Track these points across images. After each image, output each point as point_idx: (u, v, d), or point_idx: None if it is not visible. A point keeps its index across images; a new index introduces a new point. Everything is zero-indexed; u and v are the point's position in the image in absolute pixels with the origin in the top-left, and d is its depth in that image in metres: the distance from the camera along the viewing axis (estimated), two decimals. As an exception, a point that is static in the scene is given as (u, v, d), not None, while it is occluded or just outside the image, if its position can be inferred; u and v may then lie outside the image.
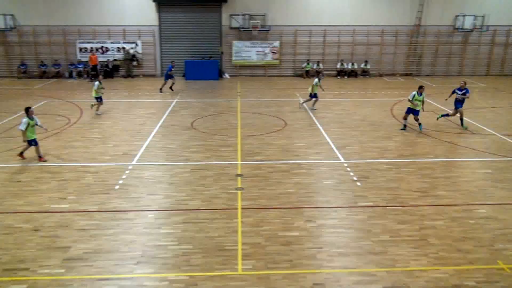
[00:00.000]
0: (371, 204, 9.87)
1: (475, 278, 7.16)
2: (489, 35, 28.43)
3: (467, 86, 16.19)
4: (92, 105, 18.09)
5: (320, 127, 16.20)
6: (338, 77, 28.10)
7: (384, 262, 7.61)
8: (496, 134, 15.40)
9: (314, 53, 28.35)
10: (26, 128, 11.98)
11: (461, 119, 16.22)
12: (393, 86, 25.31)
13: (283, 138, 14.80)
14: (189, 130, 15.75)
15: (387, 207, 9.71)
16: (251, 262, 7.56)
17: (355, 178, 11.34)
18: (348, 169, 12.02)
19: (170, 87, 23.13)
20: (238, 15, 27.05)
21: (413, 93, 15.59)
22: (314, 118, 17.47)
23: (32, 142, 12.25)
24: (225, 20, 27.50)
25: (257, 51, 28.15)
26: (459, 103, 16.06)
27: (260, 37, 27.93)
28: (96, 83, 17.95)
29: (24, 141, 12.16)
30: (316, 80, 18.93)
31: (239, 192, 10.45)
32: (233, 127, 16.22)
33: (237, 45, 27.93)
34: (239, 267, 7.44)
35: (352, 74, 28.29)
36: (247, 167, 12.06)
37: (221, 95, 22.70)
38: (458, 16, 27.68)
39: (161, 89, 22.83)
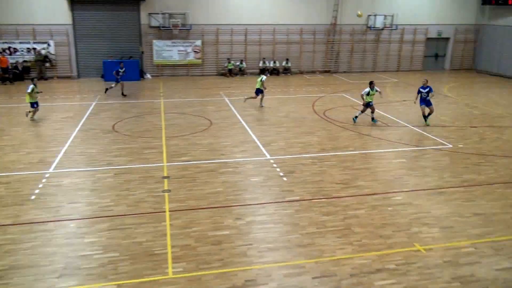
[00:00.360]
0: (297, 198, 10.15)
1: (395, 261, 7.62)
2: (398, 33, 30.40)
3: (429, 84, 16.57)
4: (28, 112, 16.61)
5: (245, 125, 16.35)
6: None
7: (312, 253, 7.86)
8: (408, 125, 16.50)
9: (236, 52, 28.54)
10: None
11: (426, 115, 16.54)
12: (313, 83, 26.21)
13: (209, 138, 14.74)
14: (111, 134, 15.14)
15: (313, 200, 10.03)
16: (182, 265, 7.45)
17: (281, 174, 11.59)
18: (274, 165, 12.25)
19: (108, 88, 21.98)
20: (157, 13, 26.47)
21: (367, 89, 16.46)
22: (239, 116, 17.59)
23: None
24: (144, 19, 26.77)
25: (179, 51, 27.74)
26: (423, 101, 16.38)
27: (181, 36, 27.56)
28: (31, 86, 16.45)
29: None
30: (263, 77, 19.17)
31: (166, 194, 10.24)
32: (157, 128, 15.86)
33: (157, 44, 27.31)
34: (170, 270, 7.29)
35: (274, 72, 28.86)
36: (173, 169, 11.86)
37: (143, 96, 22.10)
38: (370, 15, 29.29)
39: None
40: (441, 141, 14.58)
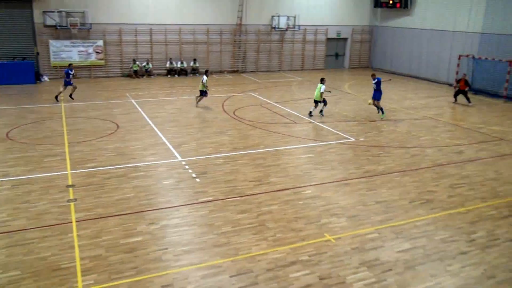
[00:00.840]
0: (211, 198, 10.13)
1: (307, 252, 7.94)
2: (301, 33, 31.67)
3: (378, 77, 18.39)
4: None
5: (155, 127, 15.95)
6: (169, 76, 28.01)
7: (228, 252, 7.90)
8: (314, 122, 17.26)
9: (142, 52, 27.70)
10: None
11: (379, 108, 18.10)
12: (222, 83, 26.33)
13: (116, 142, 14.16)
14: (5, 142, 13.89)
15: (227, 199, 10.09)
16: (93, 277, 7.07)
17: (194, 175, 11.49)
18: (187, 166, 12.12)
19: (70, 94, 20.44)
20: (52, 11, 24.76)
21: (324, 86, 17.59)
22: (147, 119, 17.11)
23: None
24: (38, 17, 24.89)
25: (79, 51, 26.22)
26: (376, 92, 17.94)
27: (81, 36, 26.08)
28: None
29: None
30: (205, 77, 19.08)
31: (71, 204, 9.64)
32: (58, 134, 14.86)
33: (54, 44, 25.56)
34: (79, 284, 6.88)
35: (182, 72, 28.50)
36: (79, 176, 11.20)
37: (41, 100, 20.55)
38: (274, 16, 30.13)
39: (70, 95, 20.34)
40: (344, 135, 15.46)
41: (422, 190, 10.88)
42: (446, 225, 9.09)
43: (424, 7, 28.92)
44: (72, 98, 20.27)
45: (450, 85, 26.25)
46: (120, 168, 11.89)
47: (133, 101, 20.36)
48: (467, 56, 24.93)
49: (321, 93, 17.54)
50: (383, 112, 18.03)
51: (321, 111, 18.03)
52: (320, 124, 16.88)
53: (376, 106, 18.16)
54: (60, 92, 19.95)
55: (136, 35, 27.26)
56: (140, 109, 18.70)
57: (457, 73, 25.18)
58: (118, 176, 11.32)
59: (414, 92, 24.36)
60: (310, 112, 17.96)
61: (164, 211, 9.47)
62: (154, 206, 9.68)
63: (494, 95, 23.05)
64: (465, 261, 7.76)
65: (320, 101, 17.82)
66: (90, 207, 9.49)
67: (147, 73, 27.48)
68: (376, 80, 17.91)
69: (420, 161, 13.03)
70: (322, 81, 17.79)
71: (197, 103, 19.50)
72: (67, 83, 19.87)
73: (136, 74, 27.17)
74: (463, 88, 21.31)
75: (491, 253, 8.03)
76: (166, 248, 7.97)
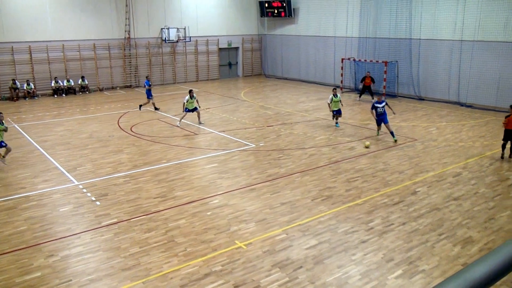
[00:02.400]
0: (115, 220, 9.66)
1: (220, 262, 7.93)
2: (192, 45, 31.70)
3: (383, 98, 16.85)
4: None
5: (44, 152, 14.80)
6: (55, 96, 26.17)
7: (138, 274, 7.58)
8: (214, 131, 17.35)
9: (22, 72, 25.56)
10: None
11: (391, 132, 15.77)
12: (115, 99, 25.31)
13: (1, 172, 12.86)
14: None
15: (132, 220, 9.69)
16: (-14, 325, 6.32)
17: (93, 198, 10.87)
18: (84, 190, 11.42)
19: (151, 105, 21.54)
20: None
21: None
22: (35, 144, 15.82)
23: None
24: None
25: None
26: (380, 117, 15.79)
27: None
28: None
29: None
30: (187, 97, 18.31)
31: (-48, 246, 8.55)
32: None
33: None
34: (-30, 336, 6.11)
35: (70, 91, 26.81)
36: (-42, 215, 9.97)
37: None
38: (163, 28, 29.78)
39: (141, 106, 21.88)
40: (244, 142, 15.75)
41: (322, 187, 11.48)
42: (347, 217, 9.70)
43: (306, 16, 30.71)
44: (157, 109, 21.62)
45: (337, 86, 28.09)
46: (8, 200, 10.82)
47: (15, 126, 18.69)
48: (348, 59, 26.95)
49: (328, 104, 17.60)
50: (393, 135, 15.64)
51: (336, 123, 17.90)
52: (220, 134, 17.01)
53: (390, 131, 15.76)
54: (147, 103, 21.82)
55: (12, 54, 25.09)
56: (25, 134, 17.23)
57: (341, 75, 27.11)
58: (7, 209, 10.29)
59: (306, 96, 25.68)
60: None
61: (64, 241, 8.80)
62: (52, 237, 8.95)
63: (375, 93, 25.18)
64: (366, 249, 8.34)
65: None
66: (-24, 248, 8.50)
67: (29, 94, 25.40)
68: (383, 103, 15.74)
69: (317, 160, 13.75)
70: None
71: (199, 121, 18.81)
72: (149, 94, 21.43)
73: (18, 97, 25.01)
74: (369, 84, 23.40)
75: (388, 238, 8.73)
76: (70, 280, 7.41)
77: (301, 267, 7.74)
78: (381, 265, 7.77)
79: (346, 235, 8.87)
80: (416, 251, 8.24)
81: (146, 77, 22.65)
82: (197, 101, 18.58)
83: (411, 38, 23.96)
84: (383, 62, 24.37)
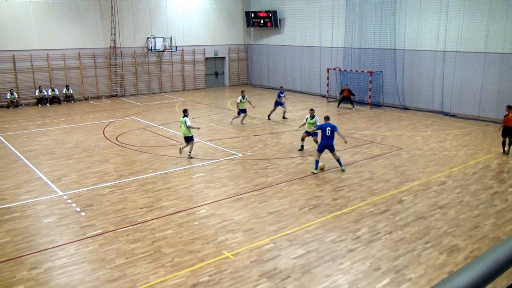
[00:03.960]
0: (100, 231, 9.52)
1: (208, 272, 7.85)
2: (179, 54, 31.68)
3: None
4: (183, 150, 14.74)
5: (27, 162, 14.57)
6: (39, 106, 25.83)
7: (124, 285, 7.47)
8: (201, 141, 17.29)
9: (5, 81, 25.21)
10: None
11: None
12: (100, 108, 25.10)
13: (-18, 182, 12.62)
14: None
15: (118, 230, 9.56)
16: None
17: (78, 209, 10.70)
18: (69, 201, 11.25)
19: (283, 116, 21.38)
20: None
21: (307, 116, 15.66)
22: (18, 153, 15.57)
23: None
24: None
25: None
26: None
27: None
28: None
29: None
30: (240, 98, 19.62)
31: None
32: None
33: None
34: None
35: (54, 100, 26.51)
36: None
37: None
38: (149, 38, 29.71)
39: (269, 116, 21.62)
40: (232, 151, 15.72)
41: (309, 196, 11.49)
42: (334, 226, 9.71)
43: (292, 26, 30.98)
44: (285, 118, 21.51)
45: (323, 96, 28.33)
46: (-10, 211, 10.60)
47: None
48: (334, 69, 27.20)
49: (188, 127, 14.73)
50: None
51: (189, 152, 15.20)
52: (207, 143, 16.96)
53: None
54: (272, 111, 21.47)
55: (-4, 63, 24.77)
56: (8, 144, 16.94)
57: (327, 85, 27.33)
58: (-12, 220, 10.08)
59: (292, 105, 25.78)
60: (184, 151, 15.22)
61: (47, 253, 8.64)
62: (34, 249, 8.78)
63: (361, 102, 25.42)
64: (353, 258, 8.35)
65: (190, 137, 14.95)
66: (-44, 260, 8.29)
67: (12, 103, 25.03)
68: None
69: (304, 169, 13.78)
70: (185, 112, 15.11)
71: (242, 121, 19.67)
72: (279, 104, 21.20)
73: (13, 104, 24.79)
74: (348, 95, 24.00)
75: (375, 247, 8.76)
76: (54, 293, 7.27)
77: (289, 276, 7.71)
78: (369, 274, 7.78)
79: (333, 244, 8.87)
80: (403, 259, 8.28)
81: (281, 87, 22.36)
82: (249, 101, 19.15)
83: (395, 49, 24.30)
84: (368, 72, 24.65)
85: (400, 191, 11.83)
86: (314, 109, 15.98)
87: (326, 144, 13.25)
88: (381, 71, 24.97)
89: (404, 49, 24.04)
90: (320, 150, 13.38)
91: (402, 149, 16.00)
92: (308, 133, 15.65)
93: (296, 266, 8.04)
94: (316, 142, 15.54)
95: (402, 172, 13.44)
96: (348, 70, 26.38)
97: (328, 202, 11.08)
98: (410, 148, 16.14)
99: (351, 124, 20.21)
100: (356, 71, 25.76)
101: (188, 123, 14.72)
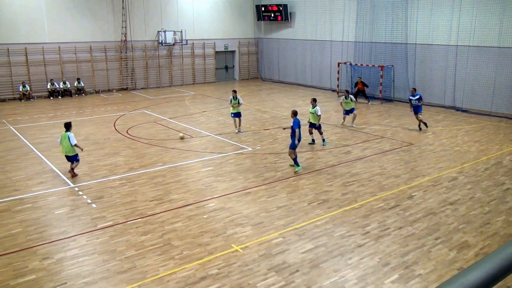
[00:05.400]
0: (111, 223, 9.61)
1: (216, 265, 7.90)
2: (189, 48, 31.70)
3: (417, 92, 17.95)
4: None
5: (40, 154, 14.73)
6: (51, 98, 26.09)
7: (134, 277, 7.54)
8: (211, 134, 17.33)
9: (18, 74, 25.46)
10: None
11: (420, 123, 17.89)
12: (111, 101, 25.25)
13: (-5, 174, 12.79)
14: None
15: (128, 222, 9.64)
16: (-21, 328, 6.26)
17: (89, 201, 10.81)
18: (80, 192, 11.36)
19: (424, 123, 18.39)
20: None
21: (342, 97, 17.32)
22: (30, 145, 15.75)
23: None
24: None
25: None
26: (414, 109, 17.67)
27: None
28: None
29: None
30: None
31: None
32: None
33: None
34: None
35: (66, 93, 26.74)
36: (-48, 217, 9.89)
37: None
38: (160, 31, 29.76)
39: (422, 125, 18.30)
40: (241, 145, 15.74)
41: (318, 191, 11.48)
42: (343, 221, 9.69)
43: (302, 20, 30.81)
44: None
45: (333, 90, 28.20)
46: (2, 202, 10.75)
47: (11, 127, 18.60)
48: (345, 63, 27.03)
49: (319, 116, 15.27)
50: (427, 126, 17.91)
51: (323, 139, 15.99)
52: (217, 137, 16.99)
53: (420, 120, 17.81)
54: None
55: (8, 55, 25.01)
56: (20, 136, 17.14)
57: (338, 79, 27.19)
58: (0, 211, 10.21)
59: (302, 99, 25.70)
60: (321, 140, 15.93)
61: (59, 243, 8.75)
62: (46, 239, 8.89)
63: (371, 97, 25.26)
64: (362, 253, 8.33)
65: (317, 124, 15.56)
66: (-31, 250, 8.43)
67: (25, 96, 25.30)
68: (417, 96, 17.48)
69: (313, 164, 13.75)
70: (314, 102, 15.55)
71: (352, 123, 18.64)
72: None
73: (26, 97, 25.12)
74: (362, 89, 23.90)
75: (384, 242, 8.73)
76: (65, 283, 7.36)
77: (297, 271, 7.73)
78: (377, 269, 7.77)
79: (342, 239, 8.86)
80: (413, 255, 8.24)
81: (414, 90, 18.15)
82: (352, 100, 18.09)
83: (407, 43, 24.07)
84: (379, 66, 24.46)
85: (410, 187, 11.77)
86: (316, 98, 15.97)
87: (300, 139, 12.87)
88: (392, 66, 24.76)
89: (415, 43, 23.79)
90: (296, 146, 12.80)
91: (412, 144, 15.89)
92: (313, 125, 15.69)
93: (305, 261, 8.05)
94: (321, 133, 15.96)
95: (413, 167, 13.35)
96: (359, 64, 26.20)
97: (338, 197, 11.06)
98: (421, 143, 16.02)
99: (362, 119, 20.09)
100: (367, 65, 25.57)
101: (73, 141, 12.34)
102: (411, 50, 24.04)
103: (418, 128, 17.89)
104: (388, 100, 24.89)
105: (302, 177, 12.48)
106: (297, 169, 12.88)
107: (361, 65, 25.97)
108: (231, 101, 17.48)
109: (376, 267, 7.83)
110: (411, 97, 17.74)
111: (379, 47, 25.54)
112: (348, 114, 18.54)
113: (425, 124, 18.06)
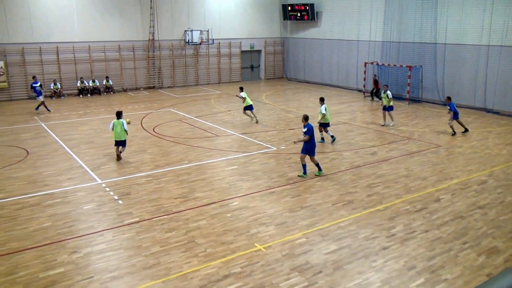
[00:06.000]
0: (137, 219, 9.78)
1: (239, 264, 7.93)
2: (215, 47, 31.90)
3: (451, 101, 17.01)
4: None
5: (69, 151, 15.10)
6: (81, 96, 26.71)
7: (158, 273, 7.65)
8: (236, 134, 17.40)
9: (49, 72, 26.16)
10: None
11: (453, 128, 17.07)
12: (138, 100, 25.66)
13: (27, 169, 13.18)
14: None
15: (153, 219, 9.79)
16: (10, 318, 6.47)
17: (116, 197, 11.02)
18: (107, 189, 11.60)
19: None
20: None
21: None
22: (61, 142, 16.16)
23: None
24: None
25: (-23, 74, 24.16)
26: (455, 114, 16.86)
27: (-22, 58, 24.07)
28: None
29: None
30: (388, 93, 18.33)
31: (-20, 240, 8.79)
32: (-42, 165, 13.54)
33: None
34: (-5, 328, 6.27)
35: (95, 91, 27.33)
36: (-14, 210, 10.25)
37: None
38: (187, 31, 30.05)
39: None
40: (265, 145, 15.75)
41: (343, 192, 11.38)
42: (368, 223, 9.59)
43: (329, 19, 30.57)
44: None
45: (360, 90, 27.90)
46: (33, 197, 11.08)
47: (42, 124, 19.13)
48: (372, 63, 26.69)
49: (323, 114, 15.56)
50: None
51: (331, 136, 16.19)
52: (242, 136, 17.05)
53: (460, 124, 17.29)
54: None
55: (40, 54, 25.73)
56: (51, 133, 17.61)
57: (364, 79, 26.89)
58: (31, 205, 10.53)
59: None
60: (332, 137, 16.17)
61: (86, 238, 8.96)
62: (75, 234, 9.12)
63: (399, 98, 24.88)
64: (387, 256, 8.22)
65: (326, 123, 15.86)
66: (2, 242, 8.72)
67: (56, 94, 25.99)
68: (450, 105, 16.80)
69: (338, 164, 13.64)
70: (322, 101, 15.89)
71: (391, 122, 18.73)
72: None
73: (57, 94, 25.85)
74: (374, 87, 24.32)
75: (410, 246, 8.59)
76: (92, 277, 7.54)
77: (320, 272, 7.69)
78: (403, 273, 7.65)
79: (366, 241, 8.77)
80: (439, 259, 8.09)
81: (448, 98, 17.42)
82: (388, 97, 18.08)
83: (436, 43, 23.59)
84: (407, 66, 24.06)
85: (438, 189, 11.54)
86: (323, 98, 16.17)
87: (315, 145, 12.55)
88: (421, 66, 24.31)
89: (445, 43, 23.29)
90: (313, 152, 12.46)
91: (440, 146, 15.57)
92: (322, 125, 15.94)
93: (328, 262, 8.01)
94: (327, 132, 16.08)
95: (441, 170, 13.09)
96: (386, 64, 25.83)
97: (362, 199, 10.94)
98: (449, 145, 15.68)
99: (388, 120, 19.81)
100: (395, 65, 25.19)
101: (126, 126, 13.73)
102: (440, 50, 23.54)
103: (451, 132, 17.14)
104: (415, 101, 24.45)
105: (326, 178, 12.40)
106: (301, 174, 12.55)
107: (388, 65, 25.60)
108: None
109: (401, 271, 7.72)
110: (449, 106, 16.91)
111: (407, 47, 25.12)
112: (387, 111, 18.50)
113: (465, 129, 17.38)
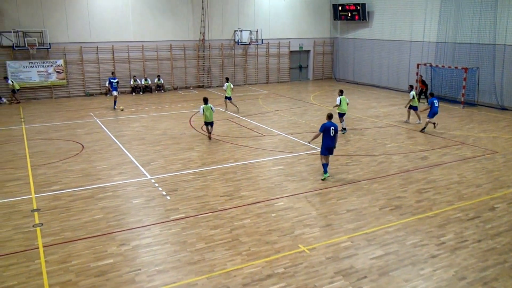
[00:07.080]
0: (183, 215, 9.99)
1: (283, 264, 7.91)
2: (264, 47, 32.01)
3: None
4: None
5: (121, 146, 15.65)
6: (133, 94, 27.65)
7: (203, 269, 7.78)
8: (282, 134, 17.38)
9: (104, 71, 27.26)
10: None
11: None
12: (188, 98, 26.20)
13: (82, 163, 13.79)
14: (-38, 168, 13.30)
15: (199, 216, 9.96)
16: (63, 304, 6.79)
17: (164, 193, 11.31)
18: (156, 184, 11.92)
19: None
20: (9, 32, 24.06)
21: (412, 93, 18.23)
22: (113, 138, 16.79)
23: None
24: (-6, 38, 24.15)
25: (39, 72, 25.54)
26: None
27: (39, 56, 25.44)
28: None
29: None
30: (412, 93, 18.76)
31: (37, 228, 9.28)
32: (20, 157, 14.36)
33: (12, 65, 24.80)
34: (49, 313, 6.60)
35: (147, 89, 28.19)
36: (44, 200, 10.82)
37: (-1, 123, 19.86)
38: (236, 31, 30.35)
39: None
40: (312, 146, 15.61)
41: (391, 196, 11.09)
42: (416, 229, 9.29)
43: (381, 19, 29.88)
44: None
45: (411, 93, 27.06)
46: (87, 189, 11.57)
47: (97, 120, 19.95)
48: (425, 64, 25.83)
49: (337, 105, 17.05)
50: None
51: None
52: (288, 136, 17.01)
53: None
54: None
55: (97, 53, 26.85)
56: (105, 128, 18.34)
57: (416, 81, 26.07)
58: (85, 197, 11.01)
59: (377, 101, 24.98)
60: (343, 129, 17.33)
61: (135, 231, 9.25)
62: (124, 227, 9.44)
63: (453, 101, 23.93)
64: (436, 264, 7.93)
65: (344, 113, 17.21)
66: (57, 231, 9.17)
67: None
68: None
69: (387, 168, 13.31)
70: (341, 93, 17.31)
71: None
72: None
73: (135, 89, 27.54)
74: (422, 87, 23.93)
75: (461, 255, 8.24)
76: (139, 269, 7.77)
77: (365, 277, 7.53)
78: (452, 283, 7.35)
79: (414, 248, 8.49)
80: (492, 271, 7.70)
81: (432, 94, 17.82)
82: (412, 99, 18.54)
83: (495, 44, 22.48)
84: (462, 68, 23.09)
85: (493, 198, 10.99)
86: (342, 90, 17.25)
87: (330, 145, 12.18)
88: (477, 68, 23.25)
89: (505, 44, 22.14)
90: (324, 152, 12.22)
91: (497, 152, 14.83)
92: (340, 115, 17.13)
93: (373, 267, 7.83)
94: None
95: (496, 177, 12.46)
96: (440, 66, 24.91)
97: (411, 204, 10.61)
98: (507, 152, 14.90)
99: (441, 123, 19.10)
100: (449, 67, 24.23)
101: (214, 109, 16.72)
102: (499, 52, 22.41)
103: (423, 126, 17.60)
104: (471, 104, 23.42)
105: (374, 181, 12.13)
106: (324, 177, 12.28)
107: (442, 66, 24.68)
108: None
109: (451, 280, 7.42)
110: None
111: (463, 48, 24.10)
112: (414, 110, 19.10)
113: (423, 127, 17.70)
